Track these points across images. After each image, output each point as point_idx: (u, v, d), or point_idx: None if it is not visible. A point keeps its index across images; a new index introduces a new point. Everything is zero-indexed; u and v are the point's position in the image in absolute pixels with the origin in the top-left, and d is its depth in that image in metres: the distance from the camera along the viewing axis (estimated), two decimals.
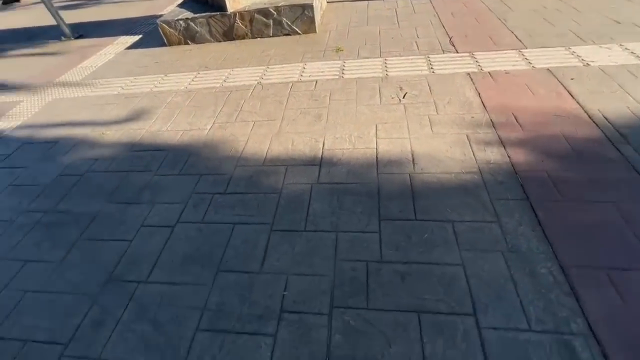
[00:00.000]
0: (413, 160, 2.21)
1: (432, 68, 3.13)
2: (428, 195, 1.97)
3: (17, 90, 4.10)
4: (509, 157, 2.12)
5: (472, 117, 2.48)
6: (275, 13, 4.16)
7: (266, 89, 3.23)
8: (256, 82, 3.36)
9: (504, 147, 2.19)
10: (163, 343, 1.54)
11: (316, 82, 3.20)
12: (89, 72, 4.25)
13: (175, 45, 4.58)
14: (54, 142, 3.02)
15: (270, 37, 4.33)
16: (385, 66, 3.26)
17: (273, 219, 1.99)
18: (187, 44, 4.55)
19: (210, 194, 2.23)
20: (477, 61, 3.13)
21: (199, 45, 4.49)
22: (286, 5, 4.11)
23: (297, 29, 4.25)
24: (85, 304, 1.74)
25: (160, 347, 1.52)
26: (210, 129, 2.83)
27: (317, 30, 4.25)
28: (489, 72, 2.94)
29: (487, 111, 2.51)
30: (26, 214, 2.33)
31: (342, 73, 3.27)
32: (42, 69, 4.58)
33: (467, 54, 3.25)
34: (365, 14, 4.58)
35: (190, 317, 1.60)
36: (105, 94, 3.66)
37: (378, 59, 3.42)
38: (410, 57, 3.34)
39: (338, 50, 3.70)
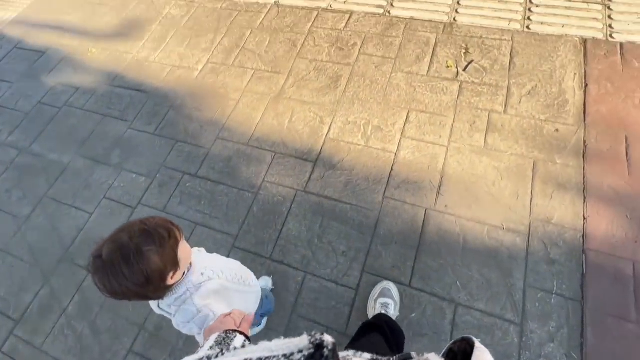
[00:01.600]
0: (439, 187, 1.58)
1: (528, 19, 2.02)
2: (439, 251, 1.44)
3: None
4: (584, 219, 1.41)
5: (557, 129, 1.63)
6: None
7: (283, 15, 2.38)
8: (274, 0, 2.48)
9: (585, 199, 1.45)
10: (98, 354, 1.47)
11: (351, 14, 2.27)
12: None
13: None
14: (42, 53, 2.64)
15: None
16: (457, 3, 2.17)
17: (239, 231, 1.63)
18: None
19: (181, 172, 1.86)
20: (610, 16, 1.94)
21: None
22: None
23: None
24: (38, 282, 1.69)
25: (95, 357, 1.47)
26: (201, 70, 2.24)
27: None
28: (621, 44, 1.83)
29: (585, 124, 1.63)
30: (3, 149, 2.18)
31: (392, 4, 2.25)
32: None
33: None
34: None
35: (127, 333, 1.48)
36: None
37: None
38: None
39: None
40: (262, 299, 1.15)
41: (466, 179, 1.58)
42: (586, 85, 1.72)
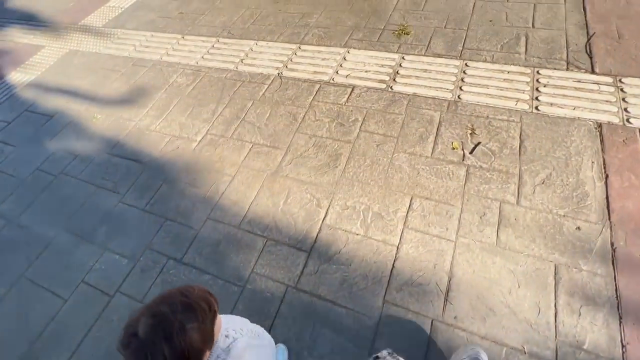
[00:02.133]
0: (447, 292, 1.39)
1: (537, 99, 1.94)
2: None
3: (43, 30, 3.77)
4: (623, 346, 1.19)
5: (578, 227, 1.46)
6: None
7: (285, 87, 2.39)
8: (277, 72, 2.51)
9: (621, 319, 1.24)
10: None
11: (353, 89, 2.25)
12: (113, 16, 3.70)
13: None
14: (49, 117, 2.69)
15: None
16: (462, 80, 2.13)
17: None
18: None
19: (166, 256, 1.73)
20: (625, 99, 1.85)
21: None
22: None
23: None
24: None
25: None
26: (199, 142, 2.21)
27: None
28: None
29: (610, 222, 1.45)
30: None
31: (394, 79, 2.24)
32: (74, 2, 4.15)
33: (610, 79, 1.95)
34: None
35: None
36: (117, 54, 3.13)
37: (455, 60, 2.26)
38: (507, 69, 2.13)
39: (402, 31, 2.55)
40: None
41: (478, 283, 1.40)
42: (607, 177, 1.58)
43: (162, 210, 1.92)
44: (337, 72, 2.39)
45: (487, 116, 1.92)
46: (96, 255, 1.81)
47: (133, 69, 2.93)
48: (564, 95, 1.93)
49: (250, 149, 2.08)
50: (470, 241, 1.51)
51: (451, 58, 2.28)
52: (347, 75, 2.34)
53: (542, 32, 2.30)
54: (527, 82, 2.04)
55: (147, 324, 0.62)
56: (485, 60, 2.22)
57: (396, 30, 2.58)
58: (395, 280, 1.46)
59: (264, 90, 2.41)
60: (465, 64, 2.22)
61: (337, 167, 1.88)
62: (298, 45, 2.69)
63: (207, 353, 0.69)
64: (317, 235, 1.65)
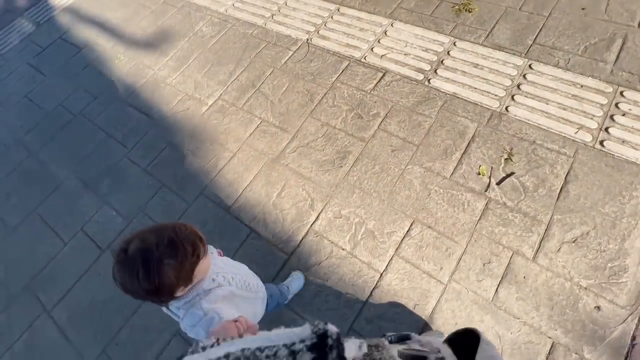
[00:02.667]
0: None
1: (605, 131, 1.54)
2: None
3: None
4: None
5: (599, 306, 1.22)
6: None
7: (310, 58, 2.12)
8: (306, 37, 2.21)
9: None
10: None
11: (384, 74, 1.94)
12: None
13: None
14: (79, 49, 2.68)
15: None
16: (517, 86, 1.73)
17: None
18: None
19: (155, 222, 1.75)
20: None
21: None
22: None
23: None
24: (1, 303, 1.71)
25: None
26: (210, 106, 2.09)
27: None
28: None
29: None
30: (18, 147, 2.25)
31: (435, 71, 1.88)
32: None
33: None
34: None
35: None
36: None
37: (518, 58, 1.82)
38: (581, 82, 1.69)
39: (464, 7, 2.08)
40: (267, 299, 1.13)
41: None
42: None
43: (161, 174, 1.91)
44: (372, 49, 2.06)
45: (534, 141, 1.58)
46: (96, 206, 1.88)
47: (163, 7, 2.75)
48: None
49: (257, 126, 1.94)
50: (464, 289, 1.33)
51: (514, 54, 1.85)
52: (382, 56, 2.01)
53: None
54: (601, 105, 1.61)
55: (135, 246, 0.70)
56: (556, 65, 1.77)
57: (457, 5, 2.11)
58: (368, 310, 1.36)
59: (287, 58, 2.16)
60: (529, 66, 1.79)
61: (342, 167, 1.70)
62: (337, 6, 2.32)
63: (182, 288, 0.75)
64: (301, 240, 1.56)
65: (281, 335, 0.31)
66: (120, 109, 2.25)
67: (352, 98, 1.90)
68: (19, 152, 2.23)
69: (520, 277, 1.32)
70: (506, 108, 1.69)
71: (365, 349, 0.40)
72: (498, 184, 1.51)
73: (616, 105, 1.60)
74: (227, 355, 0.32)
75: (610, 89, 1.65)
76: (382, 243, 1.48)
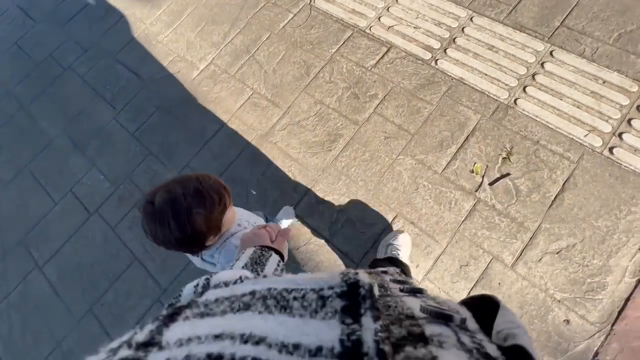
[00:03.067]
0: None
1: (619, 136, 1.41)
2: None
3: None
4: None
5: (568, 320, 1.21)
6: None
7: (311, 23, 1.93)
8: None
9: None
10: (19, 352, 1.59)
11: (388, 49, 1.77)
12: None
13: None
14: None
15: None
16: (532, 76, 1.56)
17: (168, 285, 1.54)
18: None
19: (141, 191, 1.75)
20: None
21: None
22: None
23: None
24: None
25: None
26: (201, 71, 1.97)
27: None
28: None
29: (612, 329, 1.18)
30: (9, 99, 2.21)
31: (445, 50, 1.70)
32: None
33: None
34: None
35: (48, 342, 1.56)
36: None
37: (539, 42, 1.63)
38: (604, 76, 1.51)
39: None
40: None
41: None
42: None
43: (148, 141, 1.87)
44: (379, 18, 1.86)
45: (538, 141, 1.46)
46: (85, 169, 1.88)
47: None
48: None
49: (249, 97, 1.84)
50: (436, 288, 1.33)
51: (535, 37, 1.65)
52: (389, 27, 1.82)
53: None
54: (621, 106, 1.46)
55: (162, 197, 0.70)
56: (581, 54, 1.58)
57: None
58: None
59: (286, 22, 1.98)
60: (551, 53, 1.60)
61: (331, 150, 1.63)
62: None
63: (212, 237, 0.77)
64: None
65: (307, 280, 0.30)
66: (110, 65, 2.14)
67: (350, 74, 1.76)
68: (11, 104, 2.19)
69: (495, 283, 1.30)
70: (515, 101, 1.55)
71: (377, 291, 0.35)
72: (491, 184, 1.44)
73: (637, 108, 1.44)
74: (252, 292, 0.31)
75: (635, 88, 1.48)
76: (362, 234, 1.46)
